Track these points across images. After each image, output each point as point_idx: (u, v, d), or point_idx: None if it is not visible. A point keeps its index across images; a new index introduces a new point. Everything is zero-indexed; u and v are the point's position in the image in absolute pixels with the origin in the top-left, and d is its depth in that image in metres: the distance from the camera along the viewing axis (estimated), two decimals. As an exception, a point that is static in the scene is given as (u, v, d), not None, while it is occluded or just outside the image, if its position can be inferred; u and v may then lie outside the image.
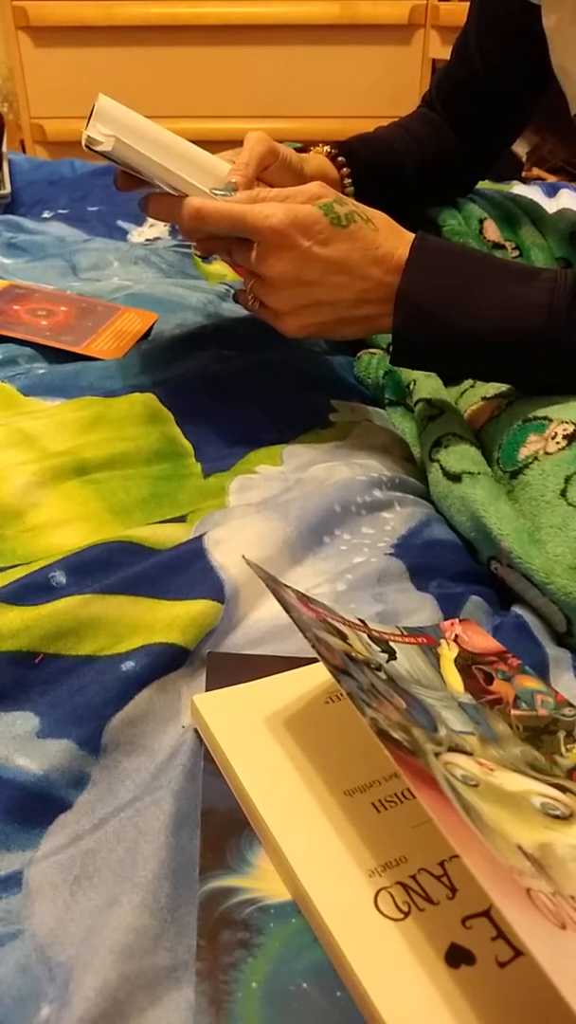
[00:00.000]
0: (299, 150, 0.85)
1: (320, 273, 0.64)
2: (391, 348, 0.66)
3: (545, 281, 0.63)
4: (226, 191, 0.67)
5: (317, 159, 0.82)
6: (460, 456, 0.64)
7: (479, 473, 0.62)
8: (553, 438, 0.60)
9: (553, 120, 0.88)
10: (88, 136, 0.67)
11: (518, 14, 0.79)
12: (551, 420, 0.62)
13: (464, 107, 0.89)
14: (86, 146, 0.68)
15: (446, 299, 0.63)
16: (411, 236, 0.66)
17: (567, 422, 0.60)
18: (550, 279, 0.63)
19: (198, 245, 0.72)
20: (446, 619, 0.56)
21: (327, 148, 0.83)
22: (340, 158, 0.83)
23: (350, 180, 0.83)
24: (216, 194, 0.66)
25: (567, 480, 0.58)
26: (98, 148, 0.66)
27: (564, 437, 0.60)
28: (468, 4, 0.87)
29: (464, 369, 0.70)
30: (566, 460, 0.59)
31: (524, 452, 0.62)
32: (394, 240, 0.65)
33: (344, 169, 0.83)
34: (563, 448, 0.59)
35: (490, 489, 0.61)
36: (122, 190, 0.73)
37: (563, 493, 0.58)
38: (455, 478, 0.63)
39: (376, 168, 0.85)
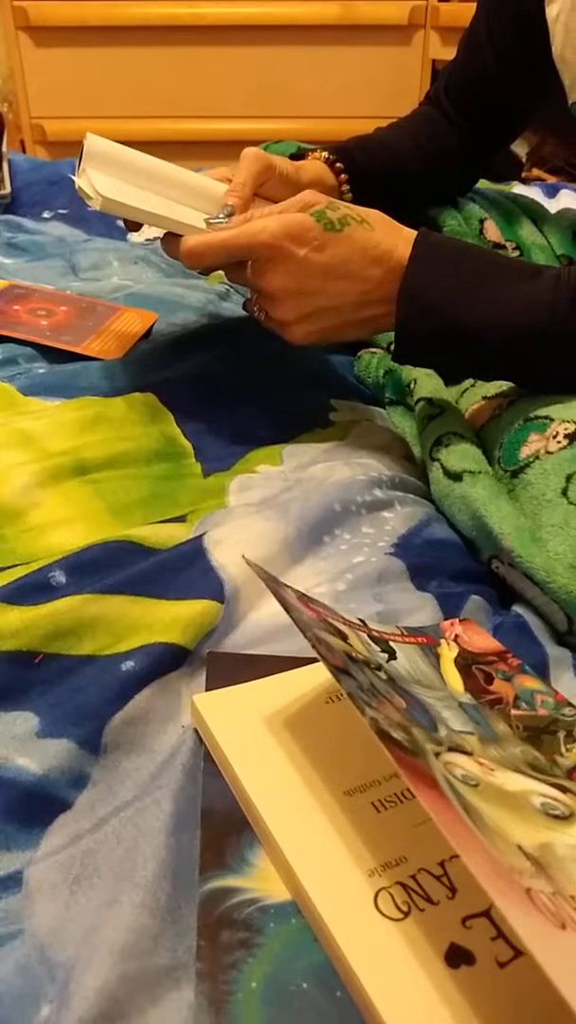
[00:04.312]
0: (296, 156, 0.84)
1: (320, 280, 0.64)
2: (393, 345, 0.66)
3: (548, 279, 0.63)
4: (221, 217, 0.67)
5: (314, 166, 0.82)
6: (461, 455, 0.64)
7: (480, 472, 0.62)
8: (554, 437, 0.60)
9: (553, 120, 0.88)
10: (79, 187, 0.68)
11: (529, 7, 0.78)
12: (552, 419, 0.62)
13: (474, 103, 0.88)
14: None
15: (448, 295, 0.63)
16: (411, 233, 0.66)
17: (568, 421, 0.60)
18: (553, 276, 0.63)
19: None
20: (446, 619, 0.56)
21: (325, 154, 0.83)
22: (338, 164, 0.83)
23: (348, 187, 0.83)
24: (212, 223, 0.67)
25: (568, 479, 0.58)
26: (89, 204, 0.67)
27: (565, 436, 0.60)
28: (469, 4, 0.87)
29: (466, 366, 0.70)
30: (567, 459, 0.59)
31: (525, 451, 0.62)
32: (392, 238, 0.65)
33: (342, 175, 0.83)
34: (564, 447, 0.59)
35: (491, 488, 0.61)
36: (131, 231, 0.75)
37: (564, 492, 0.58)
38: (456, 477, 0.63)
39: (374, 171, 0.85)
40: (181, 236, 0.66)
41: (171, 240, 0.68)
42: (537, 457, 0.60)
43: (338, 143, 0.86)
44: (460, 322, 0.63)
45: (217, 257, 0.65)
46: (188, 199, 0.72)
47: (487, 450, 0.66)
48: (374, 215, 0.66)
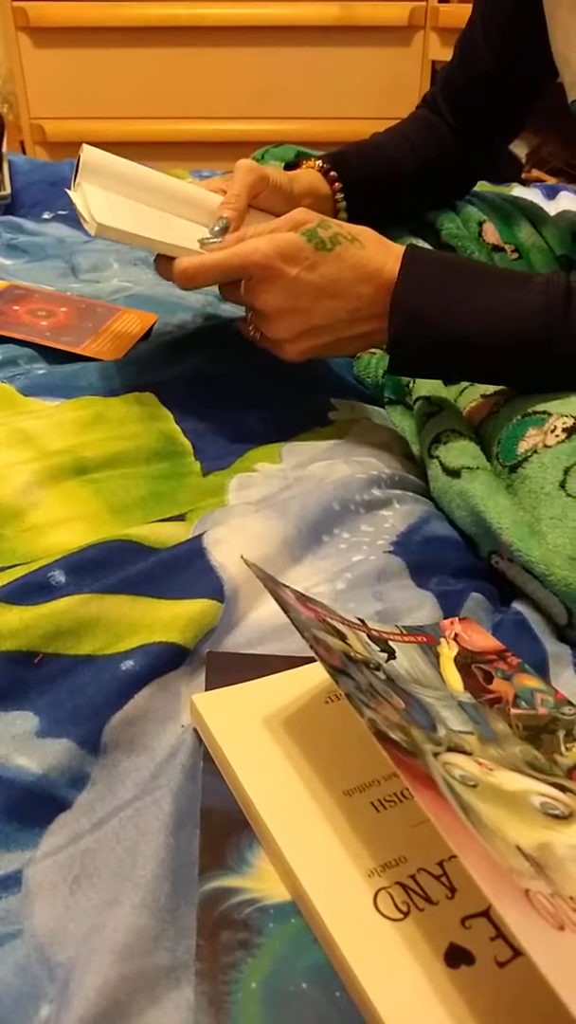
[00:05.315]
0: (290, 166, 0.85)
1: (312, 299, 0.64)
2: (388, 356, 0.66)
3: (538, 284, 0.63)
4: (214, 236, 0.67)
5: (308, 176, 0.82)
6: (459, 452, 0.64)
7: (478, 468, 0.63)
8: (552, 431, 0.60)
9: (552, 121, 0.88)
10: (75, 203, 0.69)
11: (525, 7, 0.78)
12: (550, 414, 0.62)
13: (470, 105, 0.88)
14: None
15: (440, 306, 0.64)
16: (400, 249, 0.66)
17: (567, 415, 0.61)
18: (543, 282, 0.63)
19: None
20: (446, 616, 0.56)
21: (319, 163, 0.83)
22: (332, 173, 0.83)
23: (342, 195, 0.83)
24: (206, 243, 0.67)
25: (566, 472, 0.58)
26: (84, 225, 0.68)
27: (564, 430, 0.60)
28: (468, 5, 0.86)
29: (461, 374, 0.70)
30: (565, 452, 0.59)
31: (523, 446, 0.62)
32: (382, 255, 0.65)
33: (336, 184, 0.83)
34: (562, 441, 0.60)
35: (489, 483, 0.61)
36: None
37: (562, 485, 0.58)
38: (454, 473, 0.63)
39: (371, 177, 0.85)
40: (172, 260, 0.66)
41: (164, 261, 0.68)
42: (535, 451, 0.61)
43: (335, 149, 0.86)
44: (452, 333, 0.63)
45: (210, 277, 0.66)
46: (184, 211, 0.73)
47: (485, 446, 0.66)
48: (365, 233, 0.67)
